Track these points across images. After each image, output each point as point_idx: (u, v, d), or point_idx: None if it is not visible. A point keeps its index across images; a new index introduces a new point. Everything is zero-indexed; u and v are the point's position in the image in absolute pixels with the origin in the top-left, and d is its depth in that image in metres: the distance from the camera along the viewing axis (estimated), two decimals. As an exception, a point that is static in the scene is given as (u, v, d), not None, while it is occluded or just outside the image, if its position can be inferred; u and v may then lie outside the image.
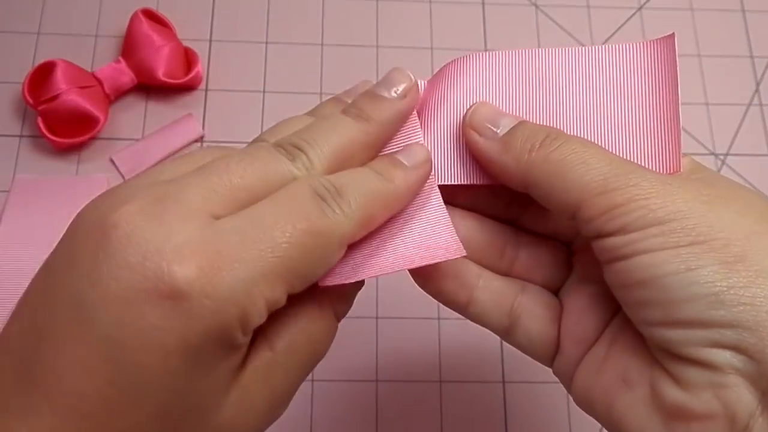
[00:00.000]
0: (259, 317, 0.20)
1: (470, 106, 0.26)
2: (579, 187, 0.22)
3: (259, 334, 0.22)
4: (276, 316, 0.21)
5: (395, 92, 0.25)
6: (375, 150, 0.24)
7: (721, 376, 0.20)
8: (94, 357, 0.19)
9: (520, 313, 0.26)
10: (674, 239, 0.21)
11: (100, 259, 0.19)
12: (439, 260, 0.23)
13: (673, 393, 0.21)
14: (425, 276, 0.25)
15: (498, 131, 0.24)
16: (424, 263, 0.23)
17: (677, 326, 0.21)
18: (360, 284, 0.24)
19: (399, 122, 0.25)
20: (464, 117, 0.25)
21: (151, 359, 0.19)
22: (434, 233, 0.24)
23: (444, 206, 0.25)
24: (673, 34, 0.26)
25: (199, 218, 0.20)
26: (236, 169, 0.21)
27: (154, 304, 0.19)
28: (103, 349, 0.19)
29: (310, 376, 0.35)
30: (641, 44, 0.26)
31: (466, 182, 0.25)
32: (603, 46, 0.26)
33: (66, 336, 0.19)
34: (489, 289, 0.26)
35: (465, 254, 0.23)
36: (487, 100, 0.26)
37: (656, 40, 0.26)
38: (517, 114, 0.26)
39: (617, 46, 0.26)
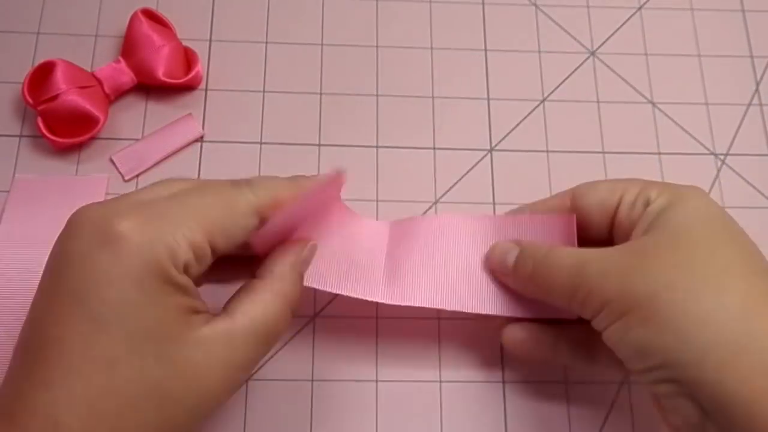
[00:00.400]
0: (185, 254, 0.26)
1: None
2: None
3: (223, 311, 0.27)
4: (237, 299, 0.28)
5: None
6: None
7: (670, 400, 0.28)
8: (67, 305, 0.25)
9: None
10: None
11: (68, 240, 0.26)
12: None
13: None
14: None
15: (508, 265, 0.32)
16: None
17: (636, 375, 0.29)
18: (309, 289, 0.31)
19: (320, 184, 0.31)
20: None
21: (109, 292, 0.25)
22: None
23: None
24: (573, 217, 0.32)
25: (139, 201, 0.27)
26: (185, 187, 0.28)
27: (104, 250, 0.25)
28: (73, 297, 0.25)
29: (309, 376, 0.35)
30: (545, 219, 0.33)
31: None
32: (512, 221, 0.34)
33: (47, 297, 0.26)
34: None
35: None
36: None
37: (558, 218, 0.33)
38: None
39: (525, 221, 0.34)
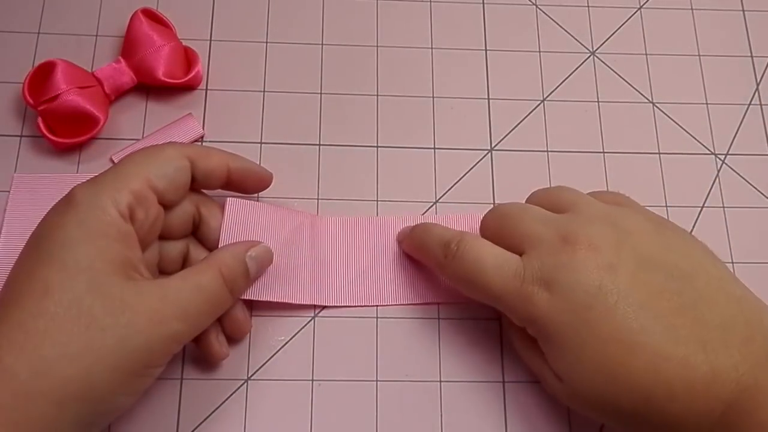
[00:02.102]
0: (126, 198, 0.30)
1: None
2: None
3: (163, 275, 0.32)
4: (177, 273, 0.31)
5: None
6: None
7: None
8: (26, 254, 0.29)
9: None
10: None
11: (44, 217, 0.30)
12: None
13: None
14: None
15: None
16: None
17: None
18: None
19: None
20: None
21: (57, 234, 0.29)
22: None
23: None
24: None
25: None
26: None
27: (61, 209, 0.30)
28: (32, 246, 0.29)
29: (309, 376, 0.35)
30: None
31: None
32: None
33: (20, 259, 0.29)
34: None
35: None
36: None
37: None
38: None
39: None
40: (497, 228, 0.33)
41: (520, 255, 0.31)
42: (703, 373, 0.27)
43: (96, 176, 0.31)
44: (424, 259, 0.36)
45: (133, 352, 0.28)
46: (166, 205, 0.33)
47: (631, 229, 0.31)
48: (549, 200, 0.34)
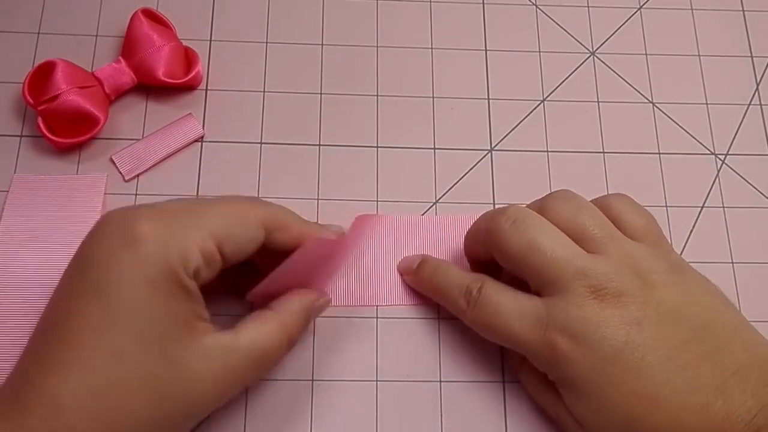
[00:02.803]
0: (196, 260, 0.28)
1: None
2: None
3: (230, 329, 0.29)
4: (245, 323, 0.30)
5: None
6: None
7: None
8: (86, 299, 0.27)
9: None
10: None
11: (93, 240, 0.28)
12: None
13: None
14: None
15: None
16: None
17: None
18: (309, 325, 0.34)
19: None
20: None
21: (125, 291, 0.27)
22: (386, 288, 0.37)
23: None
24: None
25: (160, 208, 0.29)
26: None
27: (124, 251, 0.27)
28: (94, 293, 0.27)
29: (310, 376, 0.35)
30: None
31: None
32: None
33: (68, 291, 0.28)
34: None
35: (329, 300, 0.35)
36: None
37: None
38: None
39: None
40: (522, 254, 0.32)
41: (541, 293, 0.31)
42: (720, 419, 0.28)
43: (162, 210, 0.29)
44: (442, 302, 0.36)
45: (194, 419, 0.29)
46: (224, 263, 0.31)
47: (656, 283, 0.31)
48: (574, 232, 0.32)
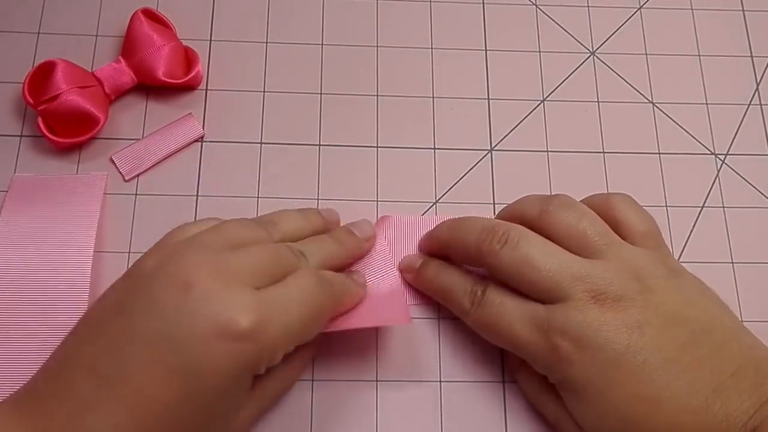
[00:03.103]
0: (277, 359, 0.30)
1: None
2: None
3: (266, 378, 0.31)
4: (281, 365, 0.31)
5: (363, 235, 0.37)
6: (344, 261, 0.36)
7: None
8: (172, 376, 0.27)
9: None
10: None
11: (184, 309, 0.27)
12: (391, 324, 0.36)
13: None
14: None
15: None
16: (379, 324, 0.36)
17: None
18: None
19: (362, 252, 0.37)
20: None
21: (214, 381, 0.27)
22: (390, 305, 0.35)
23: (400, 283, 0.37)
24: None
25: (248, 288, 0.29)
26: (269, 259, 0.30)
27: (224, 342, 0.27)
28: (180, 371, 0.27)
29: (309, 376, 0.35)
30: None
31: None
32: None
33: (147, 360, 0.27)
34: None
35: (411, 323, 0.35)
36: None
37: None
38: None
39: None
40: (515, 272, 0.32)
41: (543, 302, 0.32)
42: (719, 420, 0.29)
43: (258, 299, 0.29)
44: (445, 303, 0.36)
45: None
46: None
47: (655, 287, 0.31)
48: (575, 239, 0.33)
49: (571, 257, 0.32)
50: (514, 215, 0.35)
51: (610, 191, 0.40)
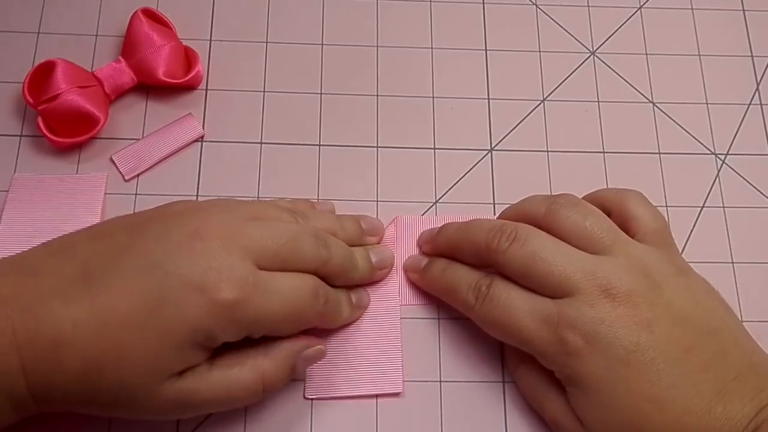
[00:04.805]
0: (238, 338, 0.30)
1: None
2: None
3: (210, 360, 0.30)
4: (224, 359, 0.30)
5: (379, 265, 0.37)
6: (356, 282, 0.36)
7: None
8: (141, 300, 0.28)
9: None
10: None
11: (184, 252, 0.29)
12: (381, 393, 0.35)
13: None
14: None
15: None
16: (369, 393, 0.35)
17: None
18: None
19: (372, 280, 0.37)
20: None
21: (174, 324, 0.28)
22: (384, 371, 0.35)
23: (399, 347, 0.36)
24: None
25: (249, 264, 0.29)
26: (284, 242, 0.31)
27: (201, 298, 0.28)
28: (151, 299, 0.28)
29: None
30: None
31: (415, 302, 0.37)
32: None
33: (131, 276, 0.28)
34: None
35: (400, 391, 0.35)
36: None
37: None
38: None
39: None
40: (524, 267, 0.32)
41: (552, 297, 0.31)
42: (721, 423, 0.29)
43: (245, 280, 0.29)
44: (450, 300, 0.35)
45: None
46: None
47: (664, 284, 0.32)
48: (581, 236, 0.33)
49: (580, 253, 0.32)
50: (520, 215, 0.35)
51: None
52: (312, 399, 0.35)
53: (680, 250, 0.39)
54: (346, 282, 0.35)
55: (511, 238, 0.32)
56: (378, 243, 0.37)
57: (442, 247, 0.36)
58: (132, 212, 0.38)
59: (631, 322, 0.30)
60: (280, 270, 0.31)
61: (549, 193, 0.40)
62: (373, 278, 0.36)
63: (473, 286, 0.33)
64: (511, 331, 0.32)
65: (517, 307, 0.32)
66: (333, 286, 0.34)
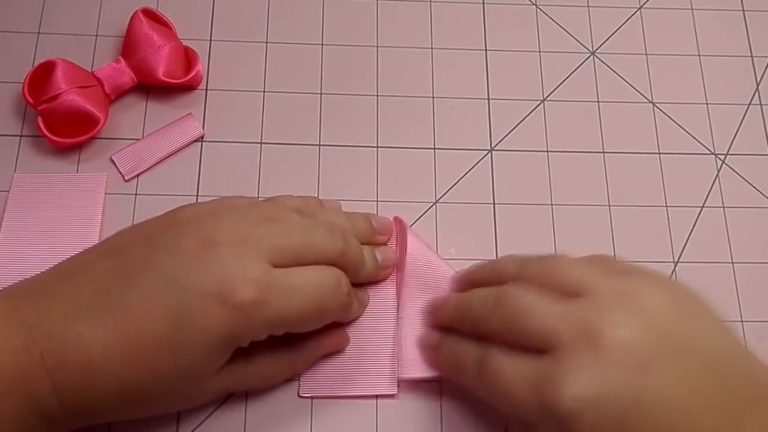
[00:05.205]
0: (263, 338, 0.30)
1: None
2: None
3: (244, 356, 0.32)
4: (260, 356, 0.32)
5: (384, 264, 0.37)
6: (363, 280, 0.36)
7: None
8: (165, 316, 0.28)
9: None
10: None
11: (199, 261, 0.29)
12: (375, 393, 0.35)
13: None
14: None
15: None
16: (363, 393, 0.35)
17: None
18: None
19: (376, 280, 0.37)
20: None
21: (199, 336, 0.28)
22: (379, 372, 0.35)
23: (395, 348, 0.35)
24: None
25: (264, 264, 0.30)
26: (298, 238, 0.31)
27: (221, 305, 0.28)
28: (174, 315, 0.28)
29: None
30: None
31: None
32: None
33: (150, 294, 0.28)
34: None
35: (395, 393, 0.35)
36: None
37: None
38: None
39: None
40: (506, 325, 0.30)
41: (539, 351, 0.29)
42: None
43: (262, 282, 0.29)
44: (460, 379, 0.33)
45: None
46: None
47: (653, 308, 0.29)
48: (552, 281, 0.31)
49: (558, 300, 0.30)
50: (493, 278, 0.34)
51: (610, 191, 0.40)
52: (306, 397, 0.35)
53: (680, 251, 0.39)
54: (354, 279, 0.34)
55: (491, 301, 0.31)
56: (387, 242, 0.37)
57: (447, 323, 0.35)
58: (132, 210, 0.38)
59: (622, 370, 0.27)
60: (298, 265, 0.31)
61: (549, 194, 0.40)
62: (377, 277, 0.36)
63: (474, 360, 0.31)
64: (504, 401, 0.30)
65: (507, 374, 0.29)
66: None
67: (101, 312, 0.28)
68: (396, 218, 0.38)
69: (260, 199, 0.33)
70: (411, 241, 0.37)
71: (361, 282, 0.36)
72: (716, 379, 0.28)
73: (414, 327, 0.36)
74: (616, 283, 0.30)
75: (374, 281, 0.37)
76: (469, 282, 0.36)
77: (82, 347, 0.27)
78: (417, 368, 0.35)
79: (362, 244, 0.35)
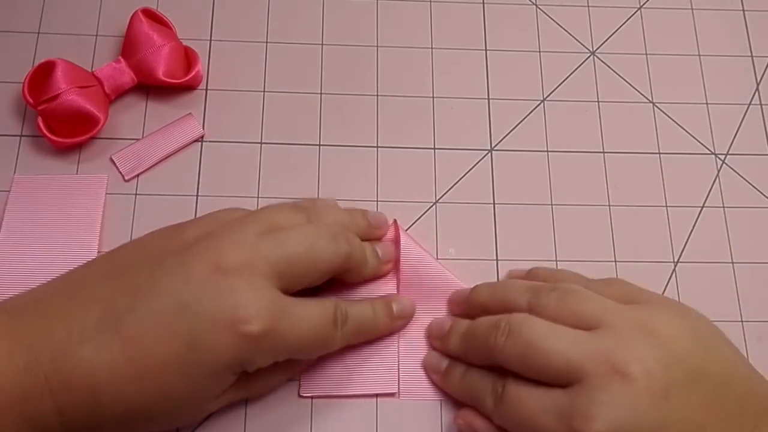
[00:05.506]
0: (268, 363, 0.31)
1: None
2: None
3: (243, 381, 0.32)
4: (262, 370, 0.32)
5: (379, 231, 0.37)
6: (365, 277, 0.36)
7: None
8: (175, 340, 0.28)
9: None
10: None
11: (209, 290, 0.29)
12: (375, 393, 0.35)
13: None
14: None
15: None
16: (363, 393, 0.35)
17: None
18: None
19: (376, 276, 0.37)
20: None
21: (209, 361, 0.29)
22: (380, 371, 0.35)
23: (395, 348, 0.36)
24: None
25: (273, 292, 0.30)
26: (302, 249, 0.31)
27: (232, 334, 0.29)
28: (184, 339, 0.28)
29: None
30: None
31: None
32: None
33: (160, 318, 0.28)
34: None
35: (395, 392, 0.35)
36: None
37: None
38: None
39: None
40: (524, 360, 0.30)
41: (562, 386, 0.30)
42: None
43: (270, 312, 0.30)
44: (473, 404, 0.34)
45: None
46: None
47: (669, 336, 0.30)
48: (566, 312, 0.31)
49: (577, 333, 0.30)
50: (502, 305, 0.34)
51: (610, 191, 0.40)
52: (306, 397, 0.35)
53: (680, 251, 0.39)
54: (358, 278, 0.35)
55: (506, 332, 0.31)
56: (383, 236, 0.37)
57: (454, 353, 0.35)
58: (132, 210, 0.38)
59: (648, 399, 0.28)
60: (306, 275, 0.32)
61: (549, 194, 0.40)
62: (379, 273, 0.36)
63: (490, 390, 0.32)
64: (527, 431, 0.30)
65: (530, 405, 0.30)
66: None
67: (108, 333, 0.28)
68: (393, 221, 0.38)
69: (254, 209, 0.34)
70: (405, 241, 0.37)
71: (365, 279, 0.36)
72: (729, 396, 0.29)
73: (412, 340, 0.36)
74: (630, 312, 0.31)
75: (375, 278, 0.37)
76: (472, 305, 0.35)
77: (87, 369, 0.28)
78: (419, 391, 0.35)
79: (361, 240, 0.35)
